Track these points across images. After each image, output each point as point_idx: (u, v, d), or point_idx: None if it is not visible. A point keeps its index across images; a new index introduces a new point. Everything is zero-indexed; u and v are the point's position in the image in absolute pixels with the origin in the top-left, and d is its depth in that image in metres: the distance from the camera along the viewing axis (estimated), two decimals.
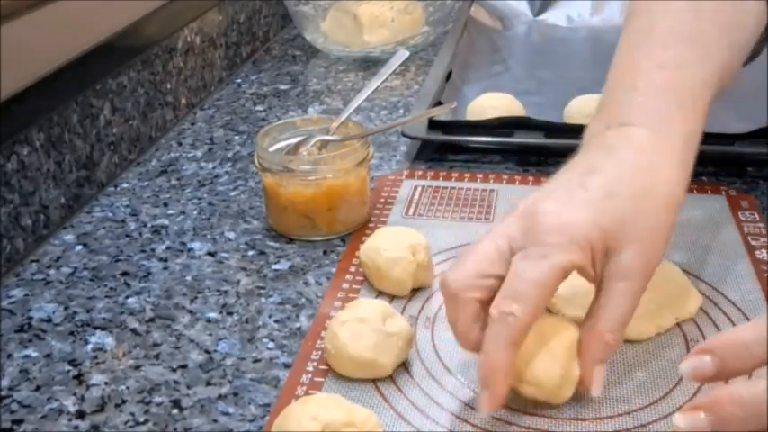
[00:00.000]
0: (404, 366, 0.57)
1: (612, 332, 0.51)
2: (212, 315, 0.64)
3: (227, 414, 0.54)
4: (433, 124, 0.87)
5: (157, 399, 0.56)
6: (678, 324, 0.61)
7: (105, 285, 0.68)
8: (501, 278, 0.51)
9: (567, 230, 0.50)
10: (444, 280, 0.52)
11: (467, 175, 0.82)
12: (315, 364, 0.58)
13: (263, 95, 1.05)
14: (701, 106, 0.57)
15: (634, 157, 0.53)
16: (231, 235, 0.74)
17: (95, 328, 0.63)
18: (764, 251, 0.68)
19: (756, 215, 0.73)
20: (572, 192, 0.52)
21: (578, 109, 0.88)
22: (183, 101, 0.99)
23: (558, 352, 0.51)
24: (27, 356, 0.60)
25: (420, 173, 0.83)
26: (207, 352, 0.60)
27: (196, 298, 0.66)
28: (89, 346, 0.61)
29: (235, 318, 0.63)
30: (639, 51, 0.58)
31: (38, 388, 0.57)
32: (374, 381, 0.56)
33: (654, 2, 0.60)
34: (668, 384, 0.55)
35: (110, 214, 0.78)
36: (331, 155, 0.72)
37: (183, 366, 0.59)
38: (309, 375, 0.57)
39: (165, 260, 0.71)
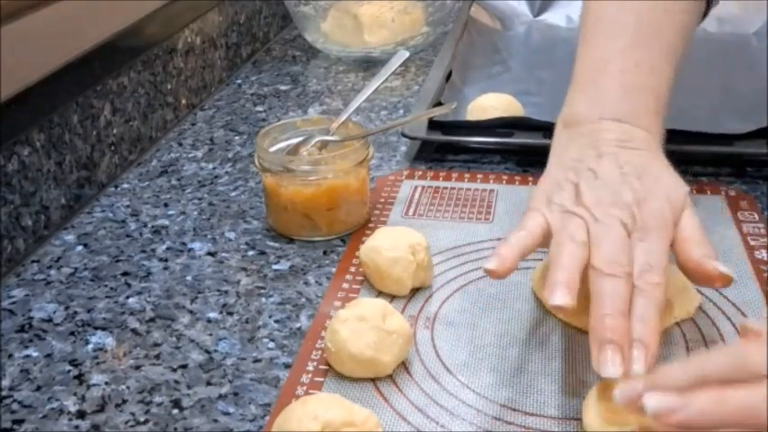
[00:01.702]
0: (404, 366, 0.57)
1: None
2: (212, 315, 0.64)
3: (227, 414, 0.55)
4: (433, 124, 0.87)
5: (158, 399, 0.56)
6: (677, 324, 0.61)
7: (106, 285, 0.68)
8: None
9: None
10: None
11: (467, 175, 0.82)
12: (315, 363, 0.58)
13: (264, 96, 1.05)
14: (666, 108, 0.66)
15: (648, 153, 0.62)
16: (231, 235, 0.74)
17: (96, 328, 0.63)
18: (764, 251, 0.68)
19: (756, 215, 0.73)
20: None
21: None
22: (184, 101, 0.99)
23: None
24: (28, 356, 0.60)
25: (420, 173, 0.83)
26: (207, 352, 0.60)
27: (196, 298, 0.66)
28: (90, 346, 0.61)
29: (235, 318, 0.64)
30: (615, 43, 0.66)
31: (38, 388, 0.57)
32: (374, 380, 0.56)
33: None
34: None
35: (110, 214, 0.78)
36: (331, 155, 0.72)
37: (184, 366, 0.59)
38: (309, 375, 0.57)
39: (166, 260, 0.71)
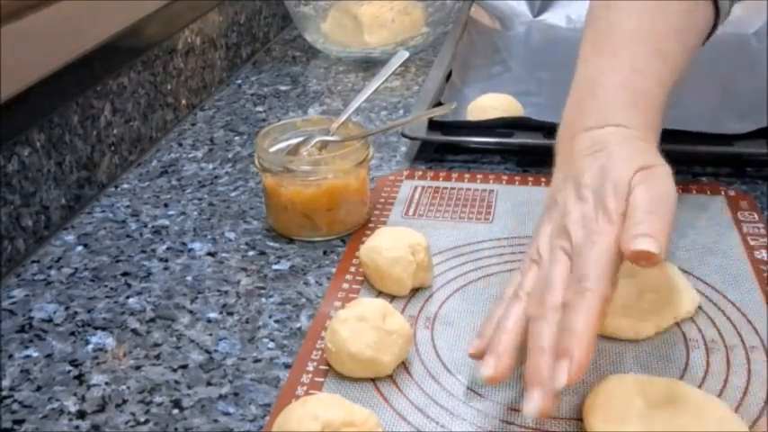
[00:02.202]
0: (404, 366, 0.57)
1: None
2: (213, 315, 0.64)
3: (227, 414, 0.55)
4: (433, 125, 0.87)
5: (158, 399, 0.56)
6: (677, 324, 0.61)
7: (106, 286, 0.68)
8: None
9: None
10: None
11: (466, 175, 0.82)
12: (315, 363, 0.58)
13: (264, 96, 1.05)
14: (655, 100, 0.62)
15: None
16: (231, 235, 0.74)
17: (96, 328, 0.63)
18: (764, 251, 0.68)
19: (756, 215, 0.73)
20: None
21: None
22: (184, 102, 0.99)
23: None
24: (28, 357, 0.60)
25: (420, 173, 0.83)
26: (207, 352, 0.60)
27: (196, 298, 0.66)
28: (90, 347, 0.61)
29: (235, 318, 0.64)
30: (604, 58, 0.64)
31: (39, 388, 0.57)
32: (374, 380, 0.56)
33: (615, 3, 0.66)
34: None
35: (110, 215, 0.78)
36: (331, 155, 0.72)
37: (184, 366, 0.59)
38: (310, 375, 0.57)
39: (166, 260, 0.71)
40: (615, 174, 0.55)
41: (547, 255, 0.55)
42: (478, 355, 0.54)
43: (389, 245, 0.64)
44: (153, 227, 0.76)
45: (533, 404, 0.48)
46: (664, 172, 0.56)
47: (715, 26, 0.70)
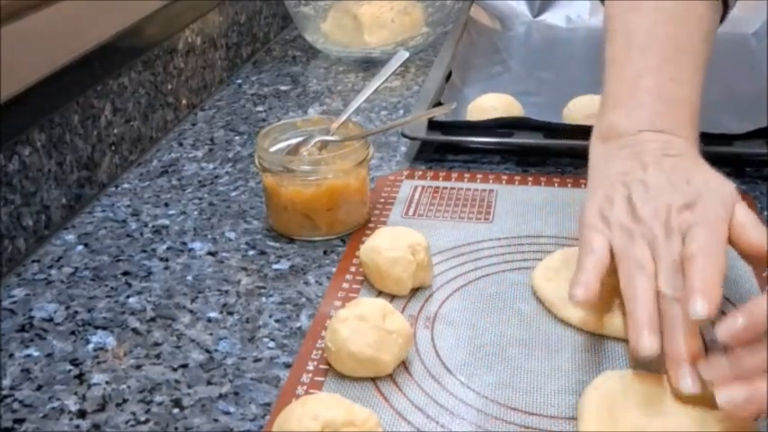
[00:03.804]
0: (404, 366, 0.57)
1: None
2: (213, 315, 0.64)
3: (227, 413, 0.55)
4: (433, 125, 0.87)
5: (158, 398, 0.56)
6: None
7: (106, 285, 0.68)
8: None
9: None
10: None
11: (466, 175, 0.82)
12: (315, 363, 0.58)
13: (264, 96, 1.05)
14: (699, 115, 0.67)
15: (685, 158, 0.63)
16: (232, 235, 0.75)
17: (96, 327, 0.63)
18: None
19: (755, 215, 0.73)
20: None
21: (577, 109, 0.88)
22: (184, 101, 0.99)
23: None
24: (28, 356, 0.60)
25: (420, 173, 0.83)
26: (207, 351, 0.60)
27: (197, 298, 0.66)
28: (90, 346, 0.61)
29: (235, 317, 0.64)
30: (647, 59, 0.67)
31: (39, 387, 0.57)
32: (374, 380, 0.56)
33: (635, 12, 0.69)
34: None
35: (111, 214, 0.79)
36: (331, 155, 0.72)
37: (184, 366, 0.59)
38: (310, 375, 0.57)
39: (166, 260, 0.71)
40: (718, 185, 0.60)
41: (659, 230, 0.57)
42: (590, 298, 0.56)
43: (389, 245, 0.64)
44: (153, 226, 0.76)
45: (686, 385, 0.51)
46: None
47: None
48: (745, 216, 0.58)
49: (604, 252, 0.58)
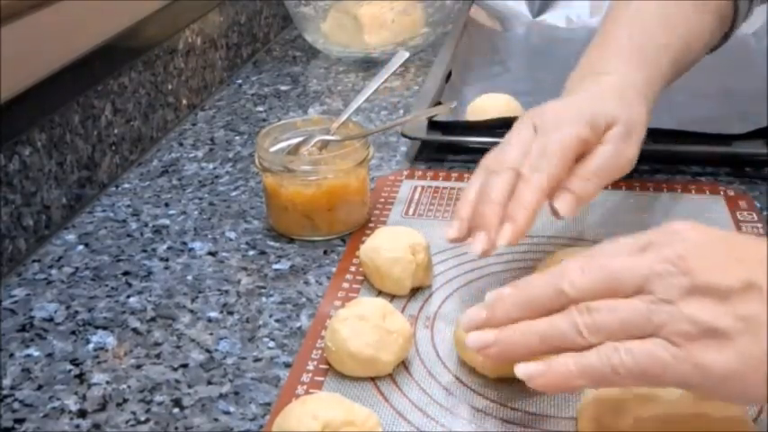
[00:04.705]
0: (404, 365, 0.57)
1: (586, 177, 0.60)
2: (213, 314, 0.64)
3: (227, 413, 0.55)
4: (433, 125, 0.87)
5: (158, 398, 0.56)
6: None
7: (107, 285, 0.68)
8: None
9: (572, 112, 0.62)
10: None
11: (466, 175, 0.82)
12: (315, 363, 0.58)
13: (264, 96, 1.05)
14: (659, 69, 0.68)
15: (609, 86, 0.65)
16: (232, 235, 0.75)
17: (97, 327, 0.63)
18: None
19: (755, 215, 0.74)
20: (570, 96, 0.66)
21: None
22: (184, 101, 0.99)
23: None
24: (29, 356, 0.60)
25: (420, 173, 0.83)
26: (208, 351, 0.60)
27: (197, 297, 0.66)
28: (90, 346, 0.61)
29: (235, 317, 0.64)
30: (619, 29, 0.71)
31: (39, 387, 0.57)
32: (374, 380, 0.56)
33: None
34: None
35: (111, 214, 0.79)
36: (331, 155, 0.72)
37: (184, 366, 0.59)
38: (310, 374, 0.57)
39: (166, 260, 0.71)
40: (607, 110, 0.62)
41: (516, 129, 0.63)
42: (461, 239, 0.61)
43: (389, 245, 0.64)
44: (153, 226, 0.76)
45: (479, 245, 0.58)
46: (632, 144, 0.63)
47: (733, 26, 0.76)
48: (594, 157, 0.60)
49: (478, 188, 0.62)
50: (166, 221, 0.77)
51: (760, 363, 0.41)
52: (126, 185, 0.84)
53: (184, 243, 0.74)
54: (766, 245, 0.44)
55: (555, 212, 0.60)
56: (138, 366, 0.59)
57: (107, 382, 0.57)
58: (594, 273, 0.46)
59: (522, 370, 0.47)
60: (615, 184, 0.68)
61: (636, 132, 0.63)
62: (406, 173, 0.83)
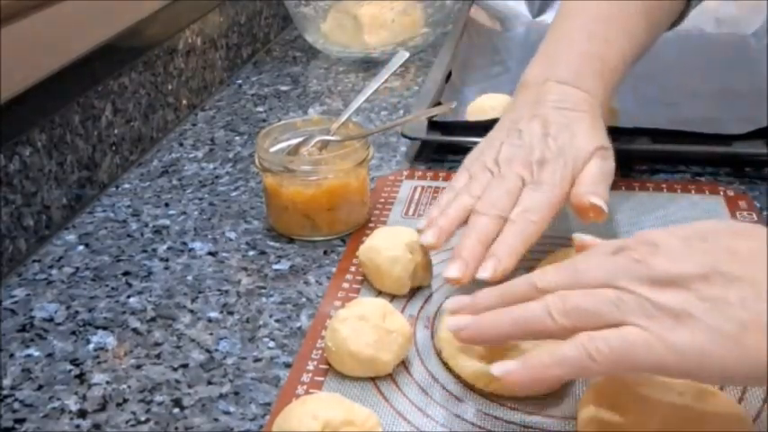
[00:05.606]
0: (404, 365, 0.57)
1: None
2: (213, 315, 0.64)
3: (227, 413, 0.55)
4: (433, 125, 0.87)
5: (158, 398, 0.56)
6: None
7: (107, 285, 0.68)
8: None
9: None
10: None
11: None
12: (315, 363, 0.58)
13: (264, 96, 1.05)
14: (617, 75, 0.70)
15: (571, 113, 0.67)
16: (232, 235, 0.75)
17: (97, 327, 0.63)
18: None
19: (754, 215, 0.74)
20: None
21: None
22: (185, 102, 0.99)
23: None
24: (29, 356, 0.60)
25: (420, 173, 0.83)
26: (208, 351, 0.60)
27: (197, 298, 0.66)
28: (91, 346, 0.61)
29: (235, 317, 0.64)
30: (575, 21, 0.73)
31: (40, 387, 0.57)
32: (374, 380, 0.56)
33: None
34: None
35: (111, 214, 0.79)
36: (331, 155, 0.73)
37: (185, 366, 0.59)
38: (310, 374, 0.57)
39: (167, 260, 0.71)
40: (580, 143, 0.64)
41: (506, 172, 0.63)
42: (436, 246, 0.63)
43: (388, 244, 0.64)
44: (154, 226, 0.76)
45: (453, 272, 0.59)
46: (612, 155, 0.66)
47: (683, 13, 0.78)
48: (589, 174, 0.63)
49: (460, 186, 0.64)
50: (166, 222, 0.77)
51: (734, 342, 0.42)
52: (126, 186, 0.84)
53: (184, 243, 0.74)
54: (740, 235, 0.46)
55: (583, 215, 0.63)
56: (139, 366, 0.59)
57: (107, 383, 0.58)
58: (564, 269, 0.49)
59: (498, 367, 0.48)
60: (615, 185, 0.68)
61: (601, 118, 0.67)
62: (405, 173, 0.83)
